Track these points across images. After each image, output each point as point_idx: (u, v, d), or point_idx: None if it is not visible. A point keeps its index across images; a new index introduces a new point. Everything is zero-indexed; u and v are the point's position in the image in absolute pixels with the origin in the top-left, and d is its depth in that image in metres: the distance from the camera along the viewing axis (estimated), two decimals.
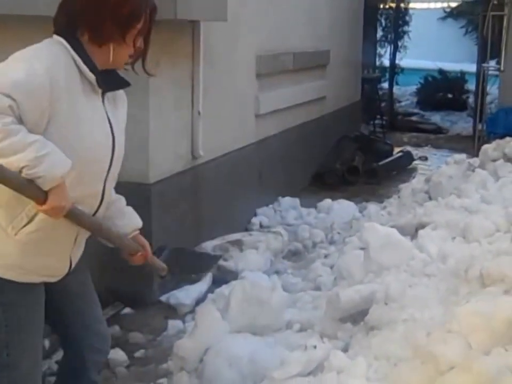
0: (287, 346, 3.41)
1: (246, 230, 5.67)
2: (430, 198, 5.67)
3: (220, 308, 3.73)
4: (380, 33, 12.75)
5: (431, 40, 18.00)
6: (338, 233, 5.74)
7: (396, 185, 7.05)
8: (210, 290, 4.42)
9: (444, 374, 2.46)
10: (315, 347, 3.22)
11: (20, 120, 1.94)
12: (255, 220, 5.94)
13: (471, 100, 13.32)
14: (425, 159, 9.62)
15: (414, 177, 7.64)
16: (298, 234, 5.68)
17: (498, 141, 6.17)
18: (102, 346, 2.51)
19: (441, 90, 14.16)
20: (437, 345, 2.60)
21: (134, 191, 4.32)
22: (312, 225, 5.94)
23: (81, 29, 2.11)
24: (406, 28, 13.08)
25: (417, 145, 10.71)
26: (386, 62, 13.10)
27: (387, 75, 13.09)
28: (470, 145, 9.61)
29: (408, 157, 9.17)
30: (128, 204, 4.21)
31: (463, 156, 6.38)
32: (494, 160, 5.77)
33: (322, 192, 7.09)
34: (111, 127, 2.20)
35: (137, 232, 2.46)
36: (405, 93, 15.25)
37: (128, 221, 2.43)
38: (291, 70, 6.79)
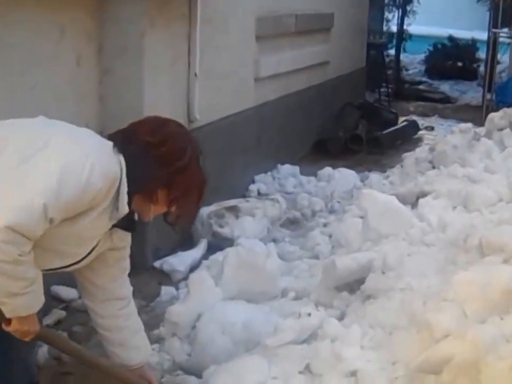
0: (281, 314, 3.38)
1: (244, 196, 5.59)
2: (434, 168, 5.59)
3: (213, 274, 3.69)
4: None
5: (442, 6, 17.71)
6: (338, 202, 5.66)
7: (400, 155, 6.95)
8: (205, 257, 4.36)
9: (438, 341, 2.42)
10: (309, 315, 3.19)
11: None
12: (252, 187, 5.85)
13: (482, 68, 13.07)
14: (431, 129, 9.47)
15: (418, 147, 7.53)
16: (297, 202, 5.60)
17: (505, 110, 6.04)
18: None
19: (451, 58, 13.92)
20: (433, 313, 2.56)
21: None
22: (311, 193, 5.86)
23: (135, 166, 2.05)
24: None
25: (424, 114, 10.55)
26: (394, 28, 12.86)
27: (394, 41, 12.85)
28: (478, 115, 9.41)
29: (414, 127, 9.03)
30: None
31: (469, 125, 6.26)
32: (501, 129, 5.66)
33: (323, 161, 6.99)
34: (94, 248, 2.16)
35: (141, 365, 2.45)
36: (412, 61, 15.03)
37: (130, 354, 2.41)
38: (293, 33, 6.66)
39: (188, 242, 4.69)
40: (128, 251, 2.42)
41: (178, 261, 4.32)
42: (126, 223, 2.18)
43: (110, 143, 2.09)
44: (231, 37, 5.38)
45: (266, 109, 6.22)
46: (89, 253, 2.17)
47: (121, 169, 2.03)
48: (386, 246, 3.53)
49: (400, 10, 12.59)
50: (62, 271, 2.20)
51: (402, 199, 4.17)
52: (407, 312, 2.86)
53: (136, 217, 2.23)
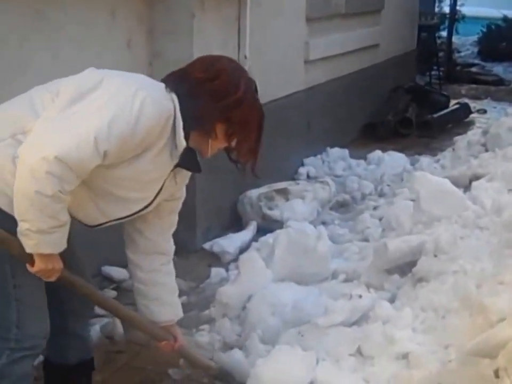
0: (332, 296, 3.36)
1: (293, 179, 5.56)
2: (487, 151, 5.48)
3: (264, 256, 3.69)
4: None
5: None
6: (388, 185, 5.59)
7: (451, 138, 6.82)
8: (255, 239, 4.36)
9: (493, 325, 2.37)
10: (360, 296, 3.19)
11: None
12: (302, 170, 5.83)
13: None
14: (484, 112, 9.26)
15: (470, 130, 7.39)
16: (346, 185, 5.56)
17: None
18: (82, 306, 2.43)
19: (505, 40, 13.52)
20: (487, 296, 2.52)
21: None
22: (361, 176, 5.81)
23: (189, 104, 2.05)
24: None
25: (476, 97, 10.32)
26: (446, 9, 12.59)
27: (446, 23, 12.59)
28: None
29: (465, 110, 8.85)
30: None
31: None
32: None
33: (372, 144, 6.91)
34: (159, 190, 2.18)
35: (172, 322, 2.47)
36: (465, 43, 14.72)
37: (164, 310, 2.43)
38: (343, 15, 6.57)
39: (237, 224, 4.70)
40: (180, 205, 2.45)
41: (228, 243, 4.33)
42: (189, 162, 2.18)
43: (162, 84, 2.10)
44: (281, 19, 5.34)
45: (316, 92, 6.17)
46: (155, 197, 2.19)
47: (174, 106, 2.03)
48: (439, 228, 3.48)
49: None
50: (128, 219, 2.22)
51: (455, 182, 4.10)
52: (460, 295, 2.83)
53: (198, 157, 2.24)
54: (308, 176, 5.79)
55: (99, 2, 3.59)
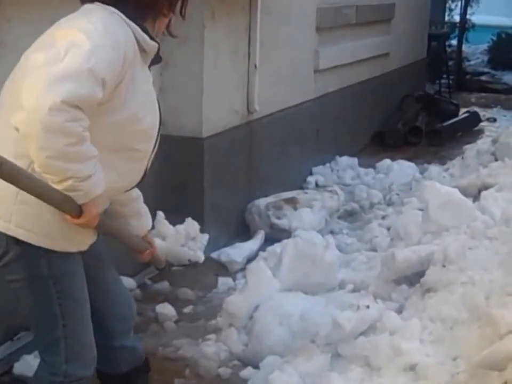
0: (339, 306, 3.34)
1: (301, 188, 5.55)
2: (497, 160, 5.45)
3: (271, 266, 3.68)
4: None
5: None
6: (397, 194, 5.58)
7: (460, 147, 6.80)
8: (262, 248, 4.35)
9: (502, 337, 2.35)
10: (368, 307, 3.16)
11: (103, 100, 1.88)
12: (310, 179, 5.82)
13: None
14: (494, 120, 9.23)
15: (480, 139, 7.36)
16: (355, 194, 5.55)
17: None
18: (125, 313, 2.44)
19: None
20: (496, 308, 2.50)
21: (187, 146, 4.29)
22: (370, 185, 5.79)
23: (127, 4, 2.01)
24: None
25: (486, 106, 10.30)
26: (457, 18, 12.58)
27: (456, 31, 12.57)
28: None
29: (475, 118, 8.83)
30: (180, 159, 4.23)
31: None
32: None
33: (382, 153, 6.90)
34: (159, 106, 2.16)
35: (148, 232, 2.48)
36: (475, 51, 14.70)
37: (143, 222, 2.43)
38: (353, 24, 6.57)
39: (245, 234, 4.69)
40: None
41: (236, 252, 4.32)
42: (157, 59, 2.16)
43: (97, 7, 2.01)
44: (291, 29, 5.34)
45: (326, 101, 6.17)
46: (159, 109, 2.17)
47: (121, 17, 1.97)
48: (448, 238, 3.46)
49: None
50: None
51: (464, 192, 4.08)
52: (469, 307, 2.81)
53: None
54: (317, 185, 5.78)
55: None
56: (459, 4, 12.40)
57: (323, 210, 4.83)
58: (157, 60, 2.16)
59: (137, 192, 2.36)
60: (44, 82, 1.76)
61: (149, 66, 2.13)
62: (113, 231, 2.24)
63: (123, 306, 2.43)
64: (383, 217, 5.03)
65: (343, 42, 6.45)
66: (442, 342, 2.76)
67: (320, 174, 5.93)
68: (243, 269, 4.05)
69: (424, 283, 3.27)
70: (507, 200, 3.80)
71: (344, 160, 6.24)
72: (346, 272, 3.84)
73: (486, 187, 4.29)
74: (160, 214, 4.08)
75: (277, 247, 4.04)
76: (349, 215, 5.26)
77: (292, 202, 4.80)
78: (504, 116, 9.59)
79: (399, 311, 3.22)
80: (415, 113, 8.05)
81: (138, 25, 1.99)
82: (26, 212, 1.95)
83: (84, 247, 2.15)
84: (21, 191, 1.90)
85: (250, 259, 4.22)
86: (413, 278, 3.43)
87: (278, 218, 4.66)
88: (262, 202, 4.75)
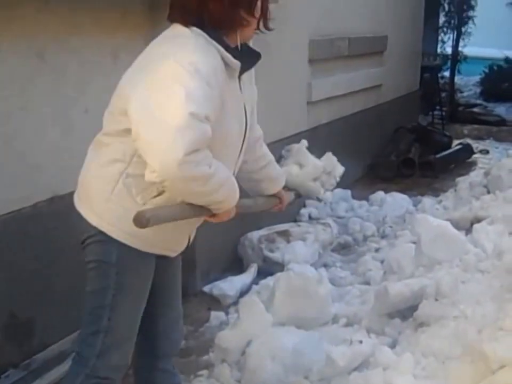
0: (332, 341, 3.34)
1: (295, 221, 5.54)
2: (489, 192, 5.49)
3: (264, 299, 3.67)
4: (442, 18, 12.34)
5: (498, 27, 17.34)
6: (391, 227, 5.58)
7: (454, 178, 6.82)
8: (255, 281, 4.33)
9: (494, 372, 2.35)
10: (361, 342, 3.17)
11: None
12: (304, 211, 5.81)
13: None
14: (486, 152, 9.27)
15: (473, 171, 7.39)
16: (348, 227, 5.54)
17: None
18: (176, 337, 2.54)
19: (507, 81, 13.57)
20: (488, 342, 2.50)
21: None
22: (363, 218, 5.78)
23: (209, 20, 2.09)
24: (470, 13, 12.52)
25: (479, 137, 10.34)
26: (449, 50, 12.69)
27: (449, 63, 12.68)
28: None
29: (468, 150, 8.86)
30: None
31: None
32: None
33: (375, 185, 6.91)
34: (245, 113, 2.22)
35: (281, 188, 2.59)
36: (467, 83, 14.80)
37: (274, 184, 2.55)
38: (346, 56, 6.61)
39: (238, 267, 4.68)
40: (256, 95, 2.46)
41: (228, 286, 4.30)
42: (247, 60, 2.21)
43: (181, 29, 2.11)
44: (283, 60, 5.38)
45: (319, 132, 6.19)
46: (246, 123, 2.23)
47: (206, 39, 2.06)
48: (440, 272, 3.48)
49: (455, 32, 12.42)
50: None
51: (456, 224, 4.09)
52: (462, 341, 2.81)
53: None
54: (310, 217, 5.76)
55: (101, 43, 3.62)
56: (451, 36, 12.51)
57: (316, 243, 4.82)
58: (251, 61, 2.25)
59: (266, 159, 2.52)
60: (161, 146, 1.90)
61: (243, 74, 2.19)
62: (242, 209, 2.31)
63: (176, 329, 2.53)
64: (377, 250, 5.03)
65: (336, 74, 6.48)
66: (435, 377, 2.77)
67: (313, 206, 5.92)
68: (236, 303, 4.03)
69: (417, 317, 3.28)
70: (498, 233, 3.82)
71: (338, 192, 6.23)
72: (339, 306, 3.82)
73: (478, 220, 4.31)
74: (303, 142, 4.12)
75: (270, 281, 4.03)
76: (343, 248, 5.25)
77: (285, 235, 4.79)
78: (496, 147, 9.63)
79: (392, 345, 3.22)
80: (408, 144, 8.08)
81: (221, 43, 2.07)
82: (117, 209, 2.11)
83: (172, 254, 2.30)
84: (116, 190, 2.10)
85: (243, 292, 4.20)
86: (406, 312, 3.43)
87: (271, 251, 4.64)
88: (254, 235, 4.74)
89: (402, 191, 6.51)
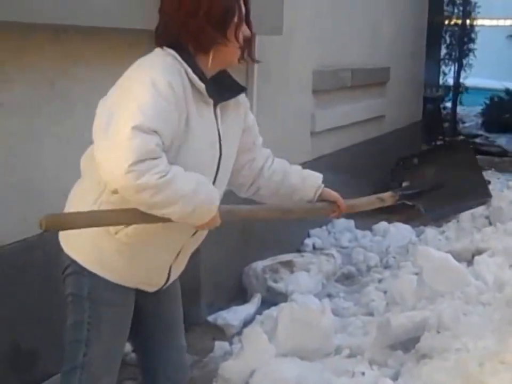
0: (335, 372, 3.35)
1: (298, 251, 5.57)
2: (490, 224, 5.52)
3: (267, 330, 3.69)
4: (443, 50, 12.49)
5: (499, 59, 17.56)
6: (394, 257, 5.61)
7: None
8: (259, 311, 4.35)
9: None
10: (363, 374, 3.18)
11: (164, 150, 1.93)
12: (308, 241, 5.84)
13: None
14: (488, 183, 9.30)
15: None
16: (352, 257, 5.57)
17: None
18: (178, 376, 2.43)
19: (508, 112, 13.71)
20: (489, 376, 2.52)
21: None
22: (367, 248, 5.81)
23: (185, 40, 2.07)
24: (471, 46, 12.76)
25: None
26: (450, 81, 12.82)
27: (451, 94, 12.81)
28: None
29: None
30: None
31: None
32: None
33: (378, 215, 6.90)
34: (220, 141, 2.14)
35: (320, 190, 2.42)
36: (469, 114, 14.91)
37: (303, 191, 2.41)
38: (349, 87, 6.68)
39: (242, 297, 4.70)
40: (256, 128, 2.41)
41: (232, 316, 4.31)
42: (228, 90, 2.16)
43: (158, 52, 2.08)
44: (287, 91, 5.45)
45: (322, 163, 6.22)
46: (220, 144, 2.14)
47: (176, 58, 2.02)
48: (442, 304, 3.50)
49: (457, 64, 12.56)
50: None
51: (458, 256, 4.13)
52: (463, 374, 2.83)
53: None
54: (314, 247, 5.79)
55: (106, 72, 3.68)
56: (453, 68, 12.65)
57: (320, 274, 4.86)
58: (232, 92, 2.17)
59: (280, 172, 2.42)
60: (109, 159, 1.89)
61: (218, 103, 2.12)
62: (258, 211, 2.22)
63: (178, 368, 2.42)
64: (380, 281, 5.05)
65: (339, 105, 6.55)
66: None
67: (317, 236, 5.96)
68: (240, 333, 4.04)
69: (419, 349, 3.29)
70: (499, 266, 3.85)
71: (341, 222, 6.27)
72: (342, 337, 3.84)
73: (480, 252, 4.34)
74: None
75: (273, 311, 4.05)
76: (346, 278, 5.27)
77: (289, 265, 4.82)
78: (498, 178, 9.64)
79: (395, 377, 3.23)
80: None
81: (190, 65, 2.03)
82: (89, 238, 2.08)
83: (148, 288, 2.21)
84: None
85: (247, 322, 4.21)
86: (408, 343, 3.45)
87: (275, 281, 4.67)
88: (258, 265, 4.77)
89: (405, 221, 6.53)
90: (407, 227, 6.25)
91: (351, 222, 6.29)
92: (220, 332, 4.23)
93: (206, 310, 4.36)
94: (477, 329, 3.14)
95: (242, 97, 2.26)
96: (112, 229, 2.04)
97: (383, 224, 6.28)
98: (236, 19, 2.09)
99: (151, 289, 2.22)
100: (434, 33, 10.66)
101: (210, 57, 2.08)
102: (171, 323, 2.40)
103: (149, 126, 1.88)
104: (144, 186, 1.86)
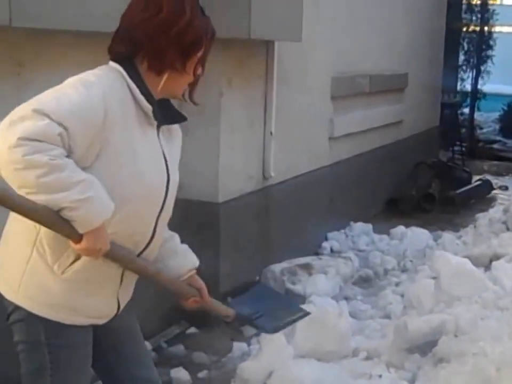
0: (352, 374, 3.37)
1: (316, 254, 5.61)
2: (508, 229, 5.52)
3: (285, 331, 3.69)
4: (461, 57, 12.49)
5: None
6: (411, 261, 5.64)
7: (473, 214, 6.86)
8: None
9: None
10: (380, 376, 3.19)
11: (69, 151, 1.82)
12: (325, 244, 5.87)
13: None
14: (506, 188, 9.29)
15: (492, 207, 7.42)
16: (369, 260, 5.60)
17: None
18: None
19: None
20: (507, 380, 2.53)
21: (203, 210, 4.38)
22: (384, 252, 5.84)
23: (141, 56, 1.99)
24: (489, 52, 12.76)
25: (498, 174, 10.38)
26: (468, 87, 12.80)
27: (468, 100, 12.79)
28: None
29: (488, 186, 8.90)
30: (196, 223, 4.31)
31: None
32: None
33: (395, 219, 6.96)
34: (166, 163, 2.07)
35: (193, 272, 2.27)
36: (487, 119, 14.86)
37: (181, 261, 2.26)
38: (367, 93, 6.73)
39: None
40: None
41: None
42: (170, 115, 2.09)
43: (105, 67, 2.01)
44: (306, 97, 5.49)
45: (340, 168, 6.27)
46: (168, 173, 2.07)
47: (122, 75, 1.95)
48: (459, 308, 3.50)
49: (475, 70, 12.56)
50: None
51: (475, 261, 4.13)
52: (480, 378, 2.84)
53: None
54: (332, 251, 5.83)
55: None
56: (470, 74, 12.64)
57: (337, 276, 4.89)
58: (174, 118, 2.12)
59: (168, 233, 2.27)
60: (2, 128, 1.78)
61: (161, 125, 2.06)
62: (141, 268, 2.07)
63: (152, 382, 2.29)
64: (397, 284, 5.08)
65: (357, 111, 6.59)
66: None
67: (335, 239, 5.99)
68: (258, 334, 4.07)
69: (436, 353, 3.30)
70: None
71: (359, 226, 6.31)
72: (359, 340, 3.86)
73: (497, 257, 4.34)
74: None
75: None
76: (363, 281, 5.30)
77: (307, 268, 4.86)
78: None
79: (412, 380, 3.24)
80: (428, 180, 8.14)
81: (137, 85, 1.96)
82: (33, 281, 1.95)
83: (99, 321, 2.10)
84: (31, 261, 1.93)
85: None
86: (426, 347, 3.46)
87: (293, 283, 4.71)
88: (277, 267, 4.81)
89: (422, 225, 6.56)
90: (424, 231, 6.27)
91: (369, 226, 6.32)
92: (238, 333, 4.25)
93: None
94: (494, 334, 3.15)
95: (179, 130, 2.21)
96: (57, 269, 1.93)
97: (400, 228, 6.30)
98: (200, 53, 2.04)
99: (101, 321, 2.11)
100: (452, 39, 10.67)
101: (163, 80, 2.00)
102: (129, 339, 2.26)
103: (58, 117, 1.78)
104: (34, 163, 1.74)
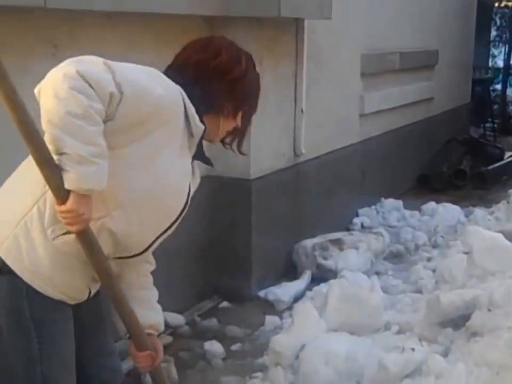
0: (384, 348, 3.37)
1: (347, 229, 5.63)
2: None
3: (317, 305, 3.73)
4: (493, 33, 12.32)
5: None
6: (442, 236, 5.62)
7: (506, 190, 6.77)
8: (309, 288, 4.42)
9: None
10: (413, 349, 3.18)
11: (111, 116, 1.80)
12: (356, 220, 5.89)
13: None
14: None
15: None
16: (400, 236, 5.60)
17: None
18: (110, 380, 2.27)
19: None
20: None
21: (235, 187, 4.41)
22: (415, 227, 5.83)
23: (195, 89, 1.99)
24: None
25: None
26: (500, 63, 12.64)
27: (500, 76, 12.63)
28: None
29: None
30: (228, 199, 4.35)
31: None
32: None
33: (427, 195, 6.94)
34: (188, 193, 2.05)
35: (154, 332, 2.23)
36: None
37: (151, 314, 2.22)
38: (397, 70, 6.68)
39: (292, 273, 4.77)
40: None
41: (283, 291, 4.39)
42: (202, 155, 2.10)
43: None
44: (336, 74, 5.48)
45: (371, 144, 6.26)
46: (186, 203, 2.05)
47: (181, 93, 1.94)
48: (493, 283, 3.48)
49: (507, 46, 12.37)
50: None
51: (509, 236, 4.09)
52: None
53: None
54: (362, 226, 5.85)
55: (156, 59, 3.76)
56: (502, 50, 12.47)
57: (369, 251, 4.89)
58: (202, 157, 2.11)
59: (150, 282, 2.25)
60: (70, 59, 1.80)
61: (196, 158, 2.07)
62: (105, 274, 1.99)
63: (108, 373, 2.27)
64: (428, 259, 5.07)
65: (387, 88, 6.55)
66: None
67: (365, 215, 6.00)
68: (290, 308, 4.12)
69: (470, 327, 3.28)
70: None
71: (390, 202, 6.30)
72: (391, 314, 3.86)
73: None
74: None
75: (323, 287, 4.10)
76: (394, 257, 5.31)
77: (338, 243, 4.87)
78: None
79: (445, 354, 3.23)
80: (460, 156, 8.08)
81: (194, 105, 1.95)
82: (22, 236, 1.91)
83: (70, 301, 2.03)
84: (28, 215, 1.89)
85: (297, 298, 4.29)
86: (459, 321, 3.44)
87: (325, 258, 4.73)
88: (308, 243, 4.83)
89: (453, 202, 6.53)
90: (455, 207, 6.24)
91: (399, 202, 6.32)
92: (270, 307, 4.31)
93: (257, 286, 4.45)
94: None
95: (199, 176, 2.18)
96: (50, 233, 1.89)
97: (431, 204, 6.28)
98: (247, 107, 2.09)
99: (73, 302, 2.05)
100: (484, 15, 10.53)
101: (213, 122, 2.03)
102: (93, 324, 2.22)
103: (121, 79, 1.79)
104: (74, 101, 1.72)
